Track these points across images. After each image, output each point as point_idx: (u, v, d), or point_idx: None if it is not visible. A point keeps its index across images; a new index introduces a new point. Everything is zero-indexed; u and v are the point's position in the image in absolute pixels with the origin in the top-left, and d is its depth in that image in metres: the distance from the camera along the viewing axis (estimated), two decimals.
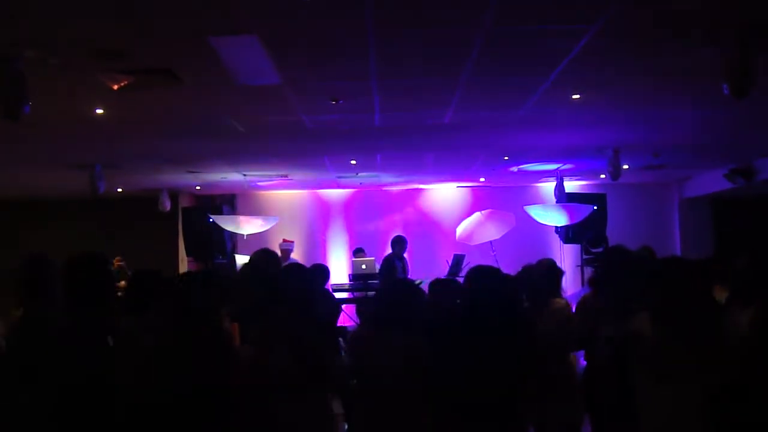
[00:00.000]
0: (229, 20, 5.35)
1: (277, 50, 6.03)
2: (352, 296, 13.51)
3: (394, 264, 12.19)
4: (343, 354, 6.12)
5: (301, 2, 4.76)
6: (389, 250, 12.96)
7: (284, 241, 14.21)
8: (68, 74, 6.48)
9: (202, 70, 6.56)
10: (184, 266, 15.87)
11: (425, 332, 4.82)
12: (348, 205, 17.14)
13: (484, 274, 4.88)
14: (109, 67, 6.28)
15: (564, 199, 13.96)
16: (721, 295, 6.08)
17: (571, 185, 15.35)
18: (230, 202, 16.99)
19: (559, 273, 6.69)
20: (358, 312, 12.63)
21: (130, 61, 6.12)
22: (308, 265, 7.10)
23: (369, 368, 4.79)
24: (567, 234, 13.91)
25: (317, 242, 16.91)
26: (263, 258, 6.55)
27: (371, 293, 11.08)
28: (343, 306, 13.79)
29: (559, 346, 5.84)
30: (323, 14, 5.25)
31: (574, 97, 7.98)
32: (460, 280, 7.59)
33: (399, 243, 12.85)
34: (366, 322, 5.44)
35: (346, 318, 14.00)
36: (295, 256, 15.20)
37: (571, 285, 13.54)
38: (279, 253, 13.94)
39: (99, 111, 7.99)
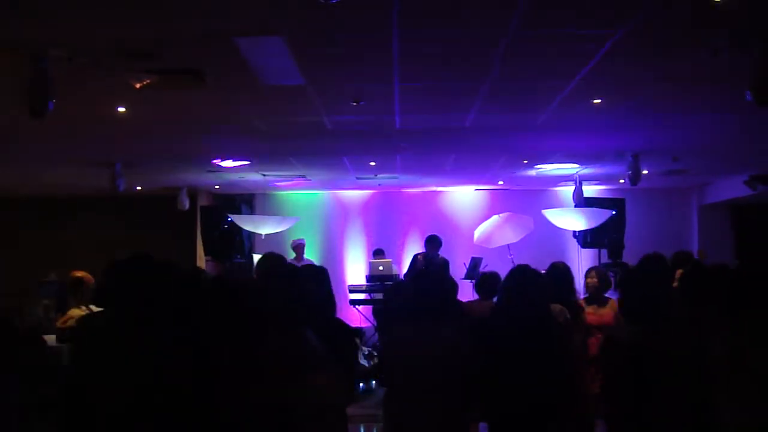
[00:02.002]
0: (255, 21, 5.38)
1: (301, 51, 6.05)
2: (369, 297, 13.56)
3: (415, 262, 12.22)
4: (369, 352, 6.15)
5: (326, 4, 4.77)
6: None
7: (294, 241, 14.39)
8: (92, 73, 6.52)
9: (226, 71, 6.60)
10: (202, 265, 15.91)
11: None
12: (366, 207, 17.15)
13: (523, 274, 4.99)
14: (134, 66, 6.32)
15: (583, 203, 13.92)
16: None
17: (590, 189, 15.31)
18: (249, 201, 17.03)
19: (564, 278, 6.80)
20: (375, 312, 12.69)
21: (155, 61, 6.15)
22: (324, 266, 7.13)
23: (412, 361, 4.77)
24: (585, 238, 13.88)
25: (335, 243, 16.94)
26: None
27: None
28: (360, 307, 13.90)
29: None
30: (348, 16, 5.26)
31: (596, 101, 7.97)
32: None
33: (429, 242, 12.77)
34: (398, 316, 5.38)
35: (362, 319, 14.09)
36: (313, 257, 15.27)
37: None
38: (294, 252, 14.11)
39: (121, 109, 8.03)
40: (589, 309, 7.62)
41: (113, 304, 4.29)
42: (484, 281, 7.88)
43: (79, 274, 8.04)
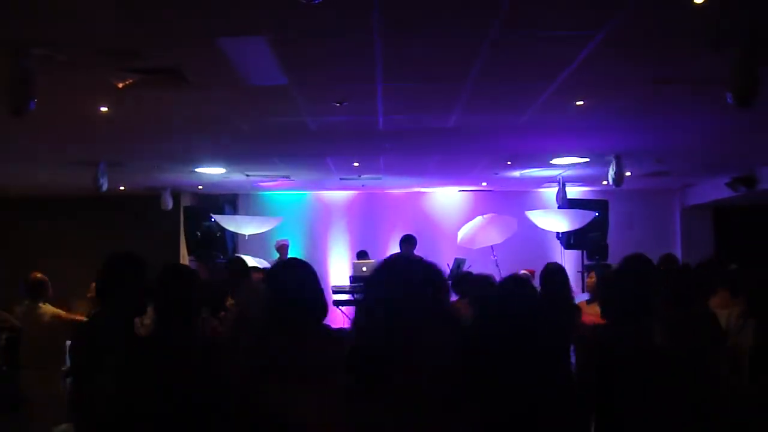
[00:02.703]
0: (238, 21, 5.37)
1: (283, 52, 6.05)
2: (353, 297, 13.54)
3: None
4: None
5: (309, 4, 4.77)
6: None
7: (278, 241, 14.39)
8: (74, 72, 6.49)
9: (208, 71, 6.59)
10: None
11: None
12: (350, 208, 17.15)
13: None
14: (117, 66, 6.30)
15: (566, 204, 13.98)
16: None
17: (574, 191, 15.36)
18: (232, 202, 17.00)
19: (559, 278, 6.84)
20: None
21: (137, 60, 6.14)
22: None
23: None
24: (568, 240, 13.92)
25: (318, 244, 16.93)
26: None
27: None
28: (343, 308, 13.89)
29: None
30: (331, 16, 5.26)
31: (578, 103, 8.00)
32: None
33: (404, 242, 12.71)
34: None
35: (346, 320, 14.07)
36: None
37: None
38: (278, 253, 14.11)
39: (104, 109, 8.00)
40: (588, 309, 7.65)
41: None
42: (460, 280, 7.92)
43: (39, 275, 8.12)
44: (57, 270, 9.76)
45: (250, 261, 10.51)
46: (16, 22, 5.36)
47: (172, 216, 15.77)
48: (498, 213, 14.66)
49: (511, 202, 16.21)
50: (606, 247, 13.73)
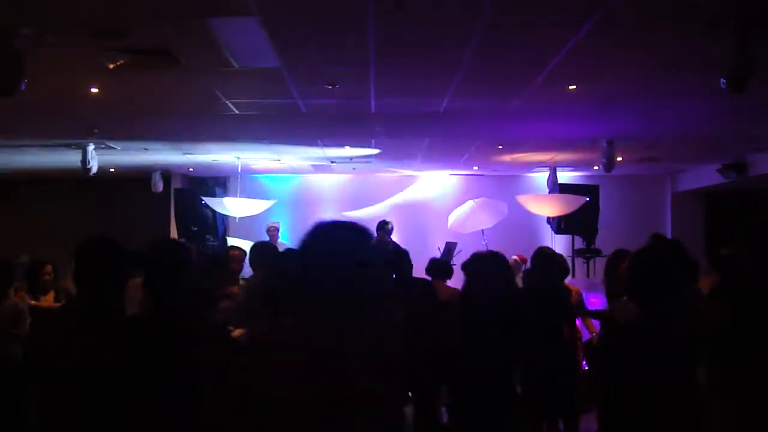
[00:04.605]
0: (229, 1, 5.34)
1: (276, 33, 6.01)
2: None
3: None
4: None
5: None
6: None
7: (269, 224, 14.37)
8: (64, 52, 6.47)
9: (199, 52, 6.55)
10: None
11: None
12: (341, 191, 17.13)
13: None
14: (107, 46, 6.26)
15: (557, 189, 13.98)
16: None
17: (564, 176, 15.37)
18: (223, 185, 16.99)
19: (550, 261, 6.92)
20: None
21: (128, 40, 6.09)
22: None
23: None
24: (559, 224, 13.93)
25: (309, 227, 16.87)
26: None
27: None
28: None
29: None
30: None
31: (571, 87, 7.98)
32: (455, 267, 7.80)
33: (381, 228, 12.35)
34: None
35: None
36: (287, 241, 15.23)
37: None
38: (268, 236, 14.07)
39: (94, 90, 7.96)
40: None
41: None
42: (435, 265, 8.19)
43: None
44: (46, 254, 9.69)
45: (240, 243, 10.48)
46: (4, 2, 5.31)
47: (163, 199, 15.73)
48: (489, 197, 14.66)
49: (502, 187, 16.20)
50: (596, 231, 13.73)
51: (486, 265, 5.06)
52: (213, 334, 4.25)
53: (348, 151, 12.99)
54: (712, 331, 4.39)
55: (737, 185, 14.12)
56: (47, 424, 3.83)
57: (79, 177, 12.51)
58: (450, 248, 13.44)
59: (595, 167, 14.05)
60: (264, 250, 7.53)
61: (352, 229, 2.89)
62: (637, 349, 4.38)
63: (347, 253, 2.72)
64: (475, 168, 15.83)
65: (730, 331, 4.26)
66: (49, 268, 8.36)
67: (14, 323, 6.91)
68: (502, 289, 4.93)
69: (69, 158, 12.32)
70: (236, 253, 8.29)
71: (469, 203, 14.29)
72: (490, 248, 13.03)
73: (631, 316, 4.51)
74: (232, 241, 13.25)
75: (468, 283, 5.08)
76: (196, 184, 16.62)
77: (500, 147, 12.62)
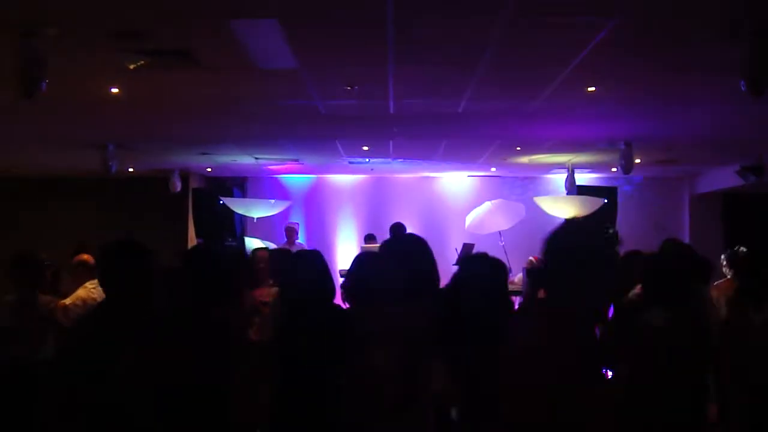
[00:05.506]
0: (250, 3, 5.35)
1: (296, 34, 6.03)
2: None
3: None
4: None
5: None
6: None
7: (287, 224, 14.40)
8: (85, 53, 6.50)
9: (219, 53, 6.57)
10: None
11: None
12: (358, 192, 17.16)
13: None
14: (128, 47, 6.29)
15: (574, 191, 13.96)
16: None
17: (582, 177, 15.33)
18: (241, 185, 17.03)
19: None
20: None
21: (148, 41, 6.12)
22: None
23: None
24: None
25: (327, 228, 16.95)
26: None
27: None
28: None
29: None
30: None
31: (590, 89, 7.97)
32: None
33: (394, 229, 12.45)
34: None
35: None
36: (305, 241, 15.27)
37: None
38: (285, 235, 14.11)
39: (114, 90, 8.00)
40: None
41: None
42: None
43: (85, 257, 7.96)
44: (61, 253, 9.72)
45: (259, 244, 10.50)
46: (27, 3, 5.35)
47: (181, 198, 15.79)
48: (506, 198, 14.65)
49: (520, 188, 16.20)
50: (616, 234, 13.69)
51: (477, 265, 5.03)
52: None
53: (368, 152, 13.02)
54: (722, 334, 4.43)
55: (756, 187, 14.04)
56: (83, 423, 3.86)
57: (99, 176, 12.58)
58: (468, 249, 13.43)
59: (613, 169, 14.02)
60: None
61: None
62: (647, 350, 4.40)
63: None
64: (493, 169, 15.82)
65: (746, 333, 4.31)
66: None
67: (47, 323, 6.93)
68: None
69: (89, 157, 12.37)
70: (263, 254, 8.18)
71: (487, 204, 14.28)
72: (507, 249, 13.11)
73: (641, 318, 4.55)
74: (250, 242, 13.28)
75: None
76: (214, 184, 16.67)
77: (518, 148, 12.61)
